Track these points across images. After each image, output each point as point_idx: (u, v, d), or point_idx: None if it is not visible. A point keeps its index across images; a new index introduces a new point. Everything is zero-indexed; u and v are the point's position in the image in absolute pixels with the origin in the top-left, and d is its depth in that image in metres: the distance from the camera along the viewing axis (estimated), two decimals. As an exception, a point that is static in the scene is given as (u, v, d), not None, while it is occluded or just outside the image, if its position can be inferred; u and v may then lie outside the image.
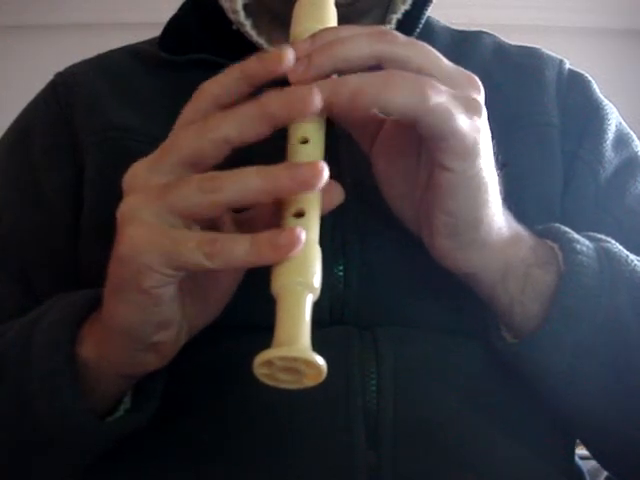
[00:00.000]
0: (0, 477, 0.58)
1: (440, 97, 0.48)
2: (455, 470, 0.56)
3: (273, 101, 0.46)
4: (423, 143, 0.52)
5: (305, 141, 0.49)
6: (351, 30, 0.50)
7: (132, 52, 0.74)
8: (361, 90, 0.47)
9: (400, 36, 0.50)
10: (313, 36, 0.50)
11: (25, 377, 0.53)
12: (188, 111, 0.50)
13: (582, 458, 0.67)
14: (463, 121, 0.49)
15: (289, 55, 0.47)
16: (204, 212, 0.46)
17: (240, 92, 0.48)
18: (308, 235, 0.45)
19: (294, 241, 0.44)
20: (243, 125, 0.46)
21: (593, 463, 0.69)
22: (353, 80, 0.48)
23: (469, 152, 0.50)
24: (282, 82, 0.49)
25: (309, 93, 0.46)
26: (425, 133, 0.49)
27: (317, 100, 0.46)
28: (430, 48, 0.51)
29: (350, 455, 0.54)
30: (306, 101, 0.46)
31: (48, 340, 0.53)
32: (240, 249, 0.44)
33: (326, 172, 0.45)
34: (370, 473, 0.54)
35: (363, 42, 0.49)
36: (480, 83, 0.52)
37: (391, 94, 0.47)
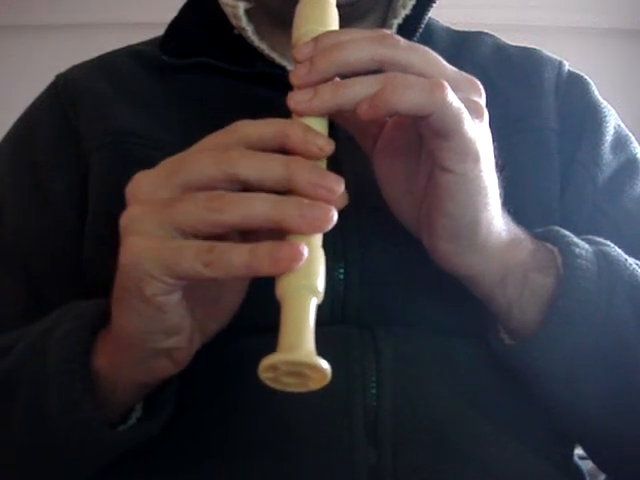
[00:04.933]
0: None
1: (452, 95, 0.48)
2: (455, 468, 0.56)
3: (297, 175, 0.46)
4: (424, 144, 0.53)
5: None
6: (353, 33, 0.51)
7: (133, 54, 0.74)
8: (375, 95, 0.47)
9: (402, 40, 0.50)
10: (315, 39, 0.50)
11: (40, 390, 0.53)
12: (211, 140, 0.49)
13: (582, 458, 0.67)
14: (469, 123, 0.49)
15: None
16: (207, 230, 0.45)
17: (270, 147, 0.48)
18: (312, 239, 0.46)
19: (296, 256, 0.43)
20: (263, 171, 0.46)
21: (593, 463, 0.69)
22: (358, 85, 0.48)
23: (470, 154, 0.50)
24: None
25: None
26: (433, 130, 0.49)
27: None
28: (431, 52, 0.51)
29: (350, 453, 0.54)
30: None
31: (62, 353, 0.53)
32: (239, 259, 0.43)
33: (335, 215, 0.45)
34: (370, 470, 0.54)
35: (365, 46, 0.49)
36: (481, 87, 0.52)
37: (403, 94, 0.47)
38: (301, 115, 0.49)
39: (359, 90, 0.48)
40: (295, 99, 0.49)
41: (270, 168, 0.46)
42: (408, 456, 0.55)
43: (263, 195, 0.45)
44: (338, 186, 0.46)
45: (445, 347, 0.60)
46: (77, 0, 2.30)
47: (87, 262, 0.64)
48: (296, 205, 0.45)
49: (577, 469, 0.66)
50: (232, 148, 0.47)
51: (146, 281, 0.45)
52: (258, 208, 0.45)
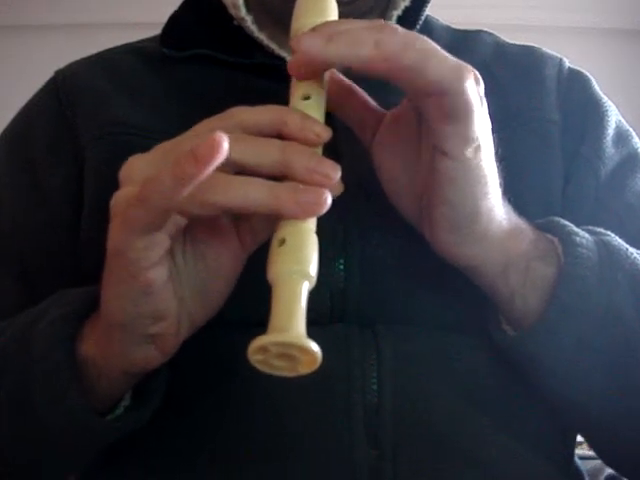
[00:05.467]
0: (4, 474, 0.58)
1: (474, 82, 0.49)
2: (454, 467, 0.56)
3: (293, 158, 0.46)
4: (424, 132, 0.53)
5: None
6: (351, 23, 0.51)
7: (132, 49, 0.74)
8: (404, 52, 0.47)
9: (400, 28, 0.50)
10: (313, 29, 0.50)
11: (27, 377, 0.53)
12: (207, 124, 0.49)
13: (582, 458, 0.67)
14: (479, 112, 0.50)
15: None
16: (198, 210, 0.46)
17: (266, 133, 0.48)
18: (306, 224, 0.45)
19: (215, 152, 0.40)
20: (259, 155, 0.46)
21: (593, 463, 0.69)
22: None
23: (473, 142, 0.50)
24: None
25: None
26: (443, 111, 0.49)
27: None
28: (430, 41, 0.51)
29: (350, 453, 0.54)
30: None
31: (48, 339, 0.53)
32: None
33: (329, 199, 0.45)
34: (370, 471, 0.54)
35: (364, 35, 0.49)
36: (480, 76, 0.52)
37: (435, 64, 0.48)
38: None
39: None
40: (306, 43, 0.48)
41: (266, 152, 0.46)
42: (408, 456, 0.55)
43: (259, 180, 0.45)
44: (334, 172, 0.46)
45: (445, 345, 0.60)
46: (77, 0, 2.30)
47: (83, 254, 0.64)
48: (292, 190, 0.45)
49: (577, 469, 0.65)
50: (228, 132, 0.47)
51: (134, 206, 0.43)
52: (254, 192, 0.44)
